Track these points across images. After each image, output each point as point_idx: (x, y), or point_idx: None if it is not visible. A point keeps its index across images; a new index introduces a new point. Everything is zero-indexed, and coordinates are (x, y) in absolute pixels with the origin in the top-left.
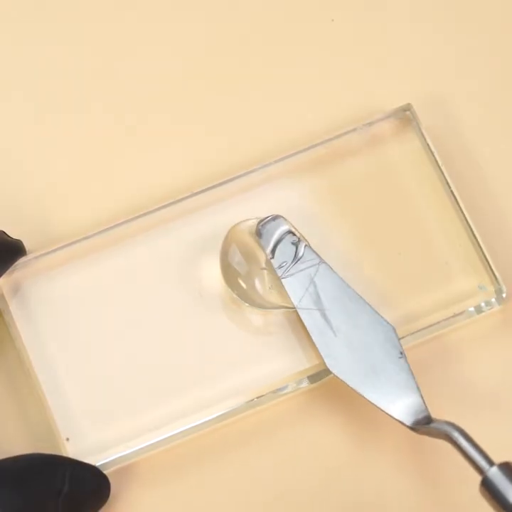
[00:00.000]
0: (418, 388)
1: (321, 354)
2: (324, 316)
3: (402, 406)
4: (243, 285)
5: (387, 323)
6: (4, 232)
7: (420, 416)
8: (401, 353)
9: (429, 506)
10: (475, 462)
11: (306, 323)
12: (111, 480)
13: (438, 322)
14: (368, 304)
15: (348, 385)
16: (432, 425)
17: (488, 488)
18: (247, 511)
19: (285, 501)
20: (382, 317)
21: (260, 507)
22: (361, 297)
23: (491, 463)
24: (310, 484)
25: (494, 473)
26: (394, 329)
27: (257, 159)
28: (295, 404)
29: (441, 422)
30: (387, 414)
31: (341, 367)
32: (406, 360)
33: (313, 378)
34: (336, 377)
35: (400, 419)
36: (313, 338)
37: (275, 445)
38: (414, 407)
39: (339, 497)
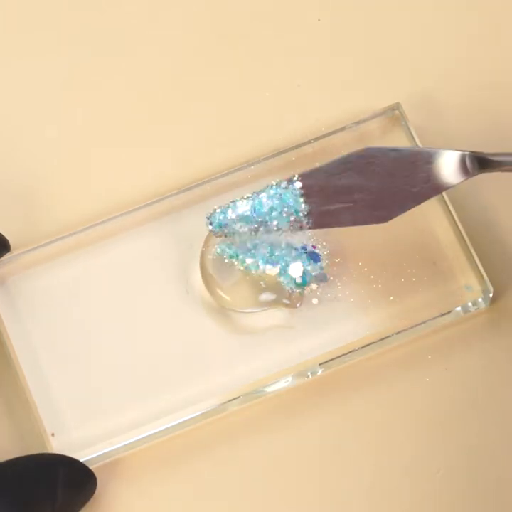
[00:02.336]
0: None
1: None
2: None
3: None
4: (224, 295)
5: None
6: None
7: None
8: None
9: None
10: None
11: None
12: (96, 475)
13: (425, 321)
14: None
15: None
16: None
17: None
18: (233, 507)
19: (273, 497)
20: None
21: (247, 503)
22: None
23: None
24: (296, 481)
25: None
26: None
27: (245, 157)
28: (279, 402)
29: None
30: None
31: None
32: None
33: (299, 375)
34: None
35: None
36: None
37: (262, 442)
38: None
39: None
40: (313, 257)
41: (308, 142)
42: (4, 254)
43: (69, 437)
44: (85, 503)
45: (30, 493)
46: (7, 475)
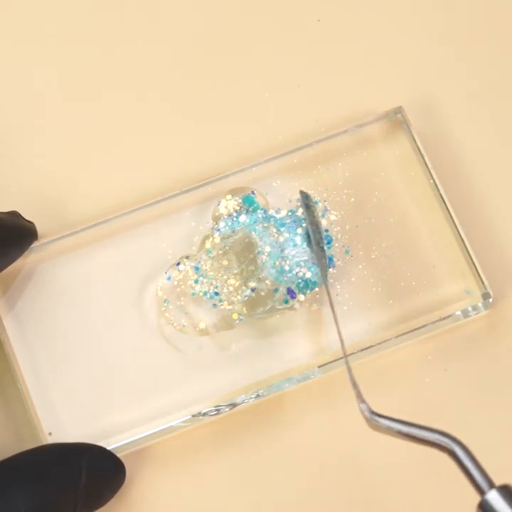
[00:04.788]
0: None
1: None
2: None
3: None
4: None
5: None
6: (19, 214)
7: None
8: None
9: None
10: (475, 481)
11: None
12: (126, 463)
13: (425, 325)
14: None
15: None
16: (428, 434)
17: (486, 510)
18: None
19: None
20: None
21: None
22: None
23: (491, 484)
24: (297, 481)
25: (493, 497)
26: None
27: (247, 159)
28: (279, 404)
29: (439, 431)
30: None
31: None
32: None
33: (299, 378)
34: None
35: None
36: None
37: (263, 442)
38: None
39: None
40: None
41: (310, 145)
42: (33, 242)
43: (65, 437)
44: (113, 492)
45: (51, 483)
46: (29, 464)
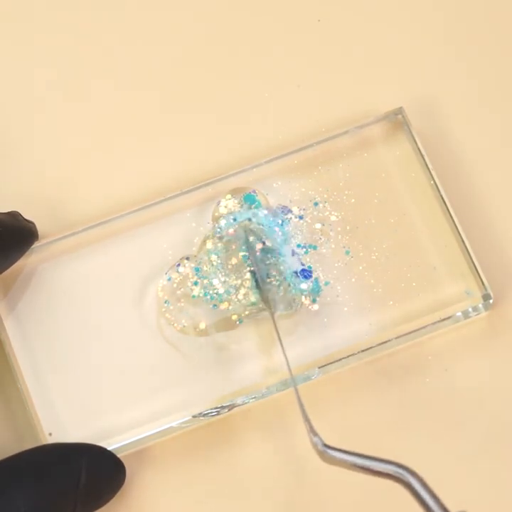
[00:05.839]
0: None
1: None
2: None
3: None
4: None
5: None
6: (19, 214)
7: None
8: None
9: None
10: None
11: None
12: (126, 463)
13: (425, 326)
14: None
15: None
16: (383, 465)
17: None
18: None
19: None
20: None
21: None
22: None
23: None
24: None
25: None
26: None
27: (248, 159)
28: (280, 405)
29: (395, 463)
30: None
31: None
32: None
33: (299, 379)
34: None
35: None
36: None
37: (264, 442)
38: None
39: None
40: (305, 274)
41: (311, 145)
42: (33, 243)
43: (66, 437)
44: (113, 492)
45: (50, 483)
46: (29, 464)
